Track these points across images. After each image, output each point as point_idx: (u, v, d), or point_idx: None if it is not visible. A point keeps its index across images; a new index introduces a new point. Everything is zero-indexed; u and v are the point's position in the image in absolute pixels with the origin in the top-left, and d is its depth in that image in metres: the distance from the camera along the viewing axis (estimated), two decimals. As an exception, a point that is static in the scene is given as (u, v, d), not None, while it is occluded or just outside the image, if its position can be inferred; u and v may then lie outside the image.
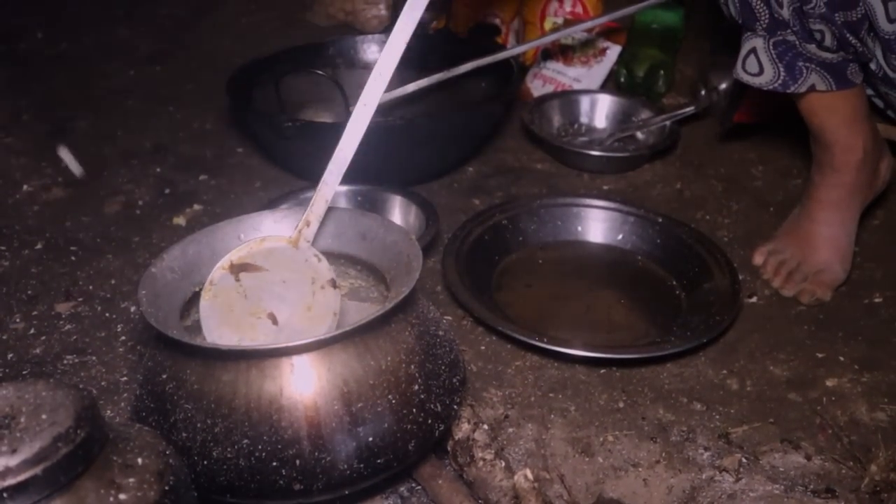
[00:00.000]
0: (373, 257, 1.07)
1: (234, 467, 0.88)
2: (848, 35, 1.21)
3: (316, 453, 0.88)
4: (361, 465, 0.90)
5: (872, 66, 1.29)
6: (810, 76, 1.27)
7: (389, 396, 0.91)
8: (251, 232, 1.08)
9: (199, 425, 0.90)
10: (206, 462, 0.89)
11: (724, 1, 1.30)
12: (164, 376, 0.94)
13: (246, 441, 0.88)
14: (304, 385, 0.89)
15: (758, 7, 1.25)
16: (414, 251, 1.01)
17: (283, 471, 0.88)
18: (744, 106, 1.59)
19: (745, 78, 1.32)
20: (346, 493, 0.93)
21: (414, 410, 0.93)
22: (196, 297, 1.02)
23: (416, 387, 0.93)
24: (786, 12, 1.22)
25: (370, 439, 0.90)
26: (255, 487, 0.88)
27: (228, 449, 0.88)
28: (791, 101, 1.35)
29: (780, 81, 1.28)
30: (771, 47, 1.27)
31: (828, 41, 1.23)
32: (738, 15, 1.29)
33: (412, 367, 0.94)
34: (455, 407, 0.98)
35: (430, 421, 0.94)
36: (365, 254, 1.08)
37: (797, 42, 1.25)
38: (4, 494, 0.71)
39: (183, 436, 0.91)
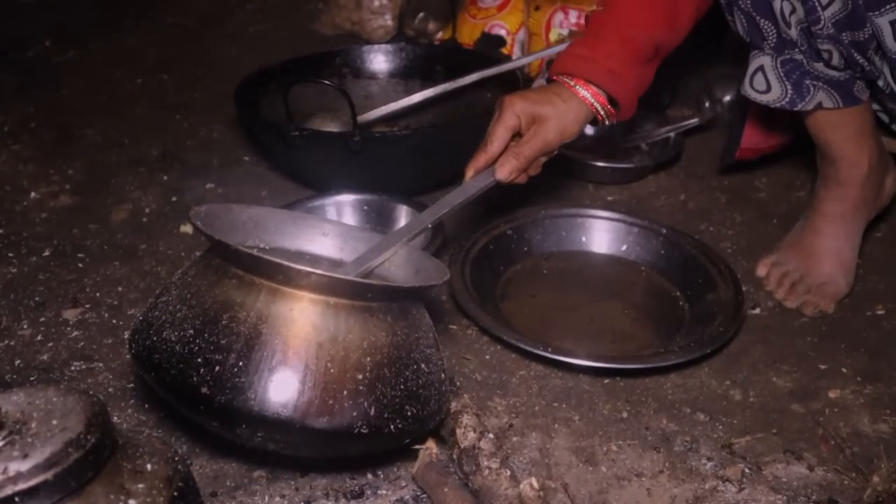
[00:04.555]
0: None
1: (170, 350, 0.94)
2: (855, 54, 1.21)
3: (235, 370, 0.90)
4: (266, 407, 0.90)
5: (880, 83, 1.30)
6: (817, 94, 1.27)
7: (329, 364, 0.92)
8: (334, 233, 1.17)
9: (170, 308, 0.98)
10: (155, 338, 0.96)
11: (732, 19, 1.31)
12: (181, 270, 1.03)
13: (191, 331, 0.93)
14: (263, 309, 0.93)
15: (765, 27, 1.26)
16: (437, 277, 1.05)
17: (202, 370, 0.91)
18: (746, 137, 1.60)
19: (753, 95, 1.32)
20: (240, 430, 0.94)
21: (344, 393, 0.92)
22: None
23: (361, 376, 0.93)
24: (794, 32, 1.23)
25: (290, 384, 0.91)
26: (173, 374, 0.93)
27: (175, 333, 0.94)
28: (794, 124, 1.36)
29: (787, 99, 1.29)
30: (779, 66, 1.28)
31: (835, 60, 1.23)
32: (746, 33, 1.30)
33: (367, 358, 0.94)
34: (392, 427, 0.96)
35: (354, 413, 0.93)
36: (409, 284, 1.11)
37: (805, 61, 1.26)
38: (16, 499, 0.72)
39: (156, 313, 0.99)
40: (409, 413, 0.97)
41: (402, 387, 0.97)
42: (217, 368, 0.91)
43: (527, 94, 1.23)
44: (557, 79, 1.24)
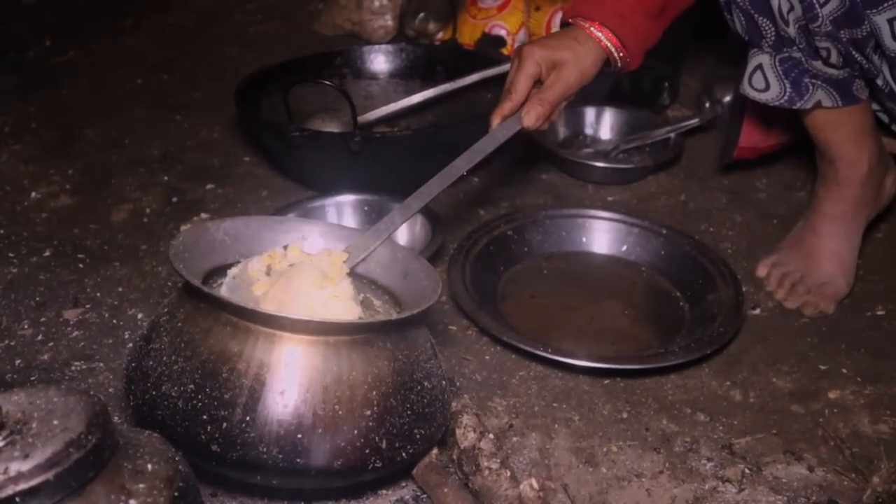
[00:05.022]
0: (404, 295, 1.08)
1: (172, 407, 0.92)
2: (854, 52, 1.21)
3: (243, 424, 0.89)
4: (280, 457, 0.90)
5: (879, 82, 1.30)
6: (816, 92, 1.28)
7: (336, 407, 0.91)
8: (314, 235, 1.14)
9: (164, 358, 0.94)
10: (154, 392, 0.93)
11: (731, 17, 1.31)
12: (166, 309, 1.00)
13: (192, 386, 0.91)
14: (263, 357, 0.91)
15: (764, 24, 1.26)
16: (430, 297, 1.02)
17: (209, 427, 0.90)
18: (745, 137, 1.60)
19: (752, 94, 1.33)
20: (255, 480, 0.93)
21: (355, 432, 0.92)
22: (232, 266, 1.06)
23: (369, 412, 0.93)
24: (792, 30, 1.23)
25: (299, 436, 0.90)
26: (180, 432, 0.91)
27: (175, 388, 0.92)
28: (793, 124, 1.36)
29: (786, 97, 1.29)
30: (777, 64, 1.28)
31: (834, 58, 1.23)
32: (745, 32, 1.30)
33: (373, 392, 0.93)
34: (404, 454, 0.96)
35: (366, 451, 0.93)
36: (399, 290, 1.10)
37: (803, 59, 1.26)
38: (17, 499, 0.72)
39: (150, 363, 0.95)
40: (418, 436, 0.97)
41: (409, 412, 0.96)
42: (224, 425, 0.90)
43: (544, 41, 1.26)
44: (574, 21, 1.26)
